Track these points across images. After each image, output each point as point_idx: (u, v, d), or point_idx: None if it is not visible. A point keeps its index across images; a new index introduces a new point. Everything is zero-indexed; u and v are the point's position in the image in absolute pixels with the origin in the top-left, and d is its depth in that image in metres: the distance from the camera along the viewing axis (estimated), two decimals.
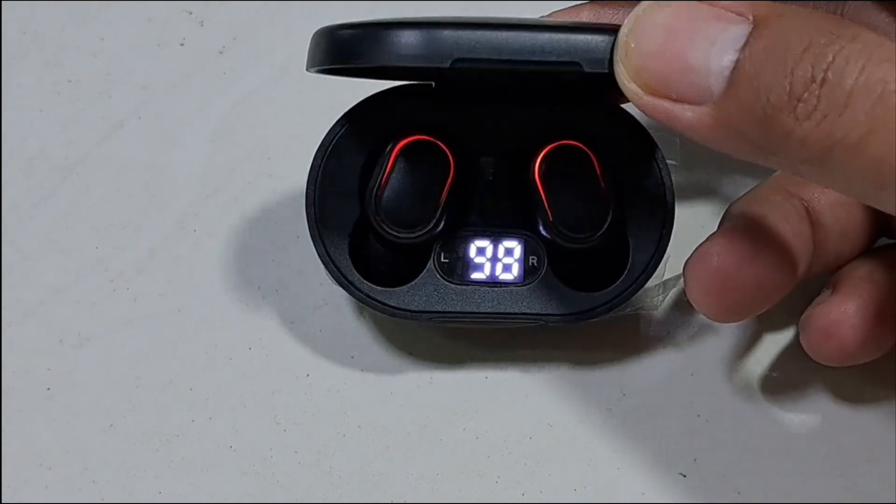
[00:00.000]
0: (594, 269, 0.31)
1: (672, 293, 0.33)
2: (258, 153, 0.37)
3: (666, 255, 0.30)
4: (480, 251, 0.31)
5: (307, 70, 0.28)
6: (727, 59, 0.23)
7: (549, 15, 0.32)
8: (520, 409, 0.33)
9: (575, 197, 0.30)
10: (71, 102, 0.38)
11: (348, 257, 0.31)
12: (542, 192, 0.29)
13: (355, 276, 0.31)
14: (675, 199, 0.30)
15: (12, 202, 0.36)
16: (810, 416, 0.32)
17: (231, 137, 0.37)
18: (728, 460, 0.32)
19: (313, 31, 0.29)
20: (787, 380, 0.33)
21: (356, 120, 0.30)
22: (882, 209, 0.23)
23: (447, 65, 0.26)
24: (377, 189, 0.29)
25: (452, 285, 0.31)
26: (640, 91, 0.24)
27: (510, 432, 0.32)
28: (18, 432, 0.32)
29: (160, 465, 0.32)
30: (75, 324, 0.34)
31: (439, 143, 0.29)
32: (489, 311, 0.31)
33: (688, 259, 0.29)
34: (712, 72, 0.23)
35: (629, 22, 0.25)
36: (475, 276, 0.31)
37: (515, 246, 0.31)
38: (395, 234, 0.30)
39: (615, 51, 0.25)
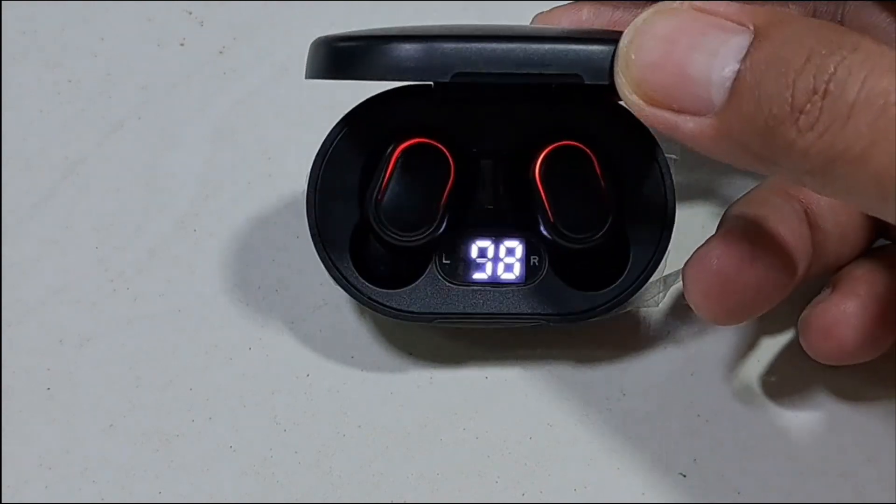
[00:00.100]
0: (595, 269, 0.31)
1: (672, 291, 0.33)
2: (258, 153, 0.37)
3: (666, 252, 0.30)
4: (482, 251, 0.31)
5: (306, 79, 0.28)
6: (728, 69, 0.23)
7: (551, 11, 0.32)
8: (520, 409, 0.33)
9: (575, 197, 0.30)
10: (71, 102, 0.38)
11: (349, 260, 0.31)
12: (542, 192, 0.29)
13: (357, 279, 0.31)
14: (676, 197, 0.30)
15: (12, 202, 0.36)
16: (810, 416, 0.32)
17: (231, 137, 0.37)
18: (728, 460, 0.32)
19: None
20: (787, 380, 0.33)
21: (355, 122, 0.30)
22: (884, 219, 0.23)
23: (447, 79, 0.26)
24: (378, 192, 0.29)
25: (454, 286, 0.31)
26: (641, 102, 0.24)
27: (510, 432, 0.32)
28: (18, 432, 0.32)
29: (160, 465, 0.32)
30: (75, 324, 0.34)
31: (439, 145, 0.29)
32: (491, 311, 0.31)
33: (687, 262, 0.29)
34: (713, 83, 0.23)
35: (629, 33, 0.25)
36: (477, 276, 0.31)
37: (517, 246, 0.31)
38: (396, 237, 0.30)
39: (615, 62, 0.25)
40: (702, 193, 0.36)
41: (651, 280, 0.31)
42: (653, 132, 0.30)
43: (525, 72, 0.26)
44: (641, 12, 0.31)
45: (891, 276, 0.30)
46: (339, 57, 0.27)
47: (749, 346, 0.34)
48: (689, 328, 0.34)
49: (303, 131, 0.37)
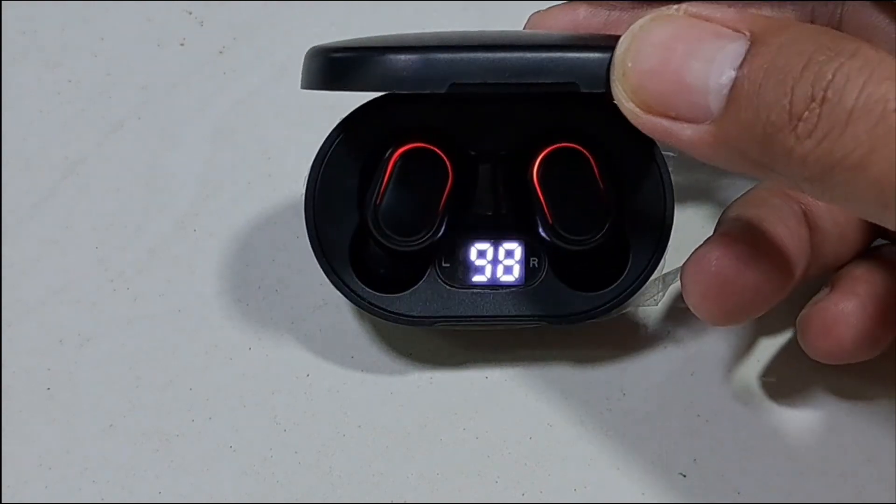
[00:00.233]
0: (594, 269, 0.31)
1: (672, 291, 0.33)
2: (258, 153, 0.37)
3: (665, 252, 0.30)
4: (481, 254, 0.31)
5: (302, 89, 0.28)
6: (725, 77, 0.23)
7: (547, 11, 0.32)
8: (520, 409, 0.33)
9: (574, 199, 0.29)
10: (71, 102, 0.38)
11: (349, 265, 0.31)
12: (540, 194, 0.29)
13: (356, 284, 0.31)
14: (675, 197, 0.30)
15: (12, 202, 0.36)
16: (810, 416, 0.32)
17: (231, 137, 0.37)
18: (728, 460, 0.32)
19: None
20: (787, 380, 0.33)
21: (352, 127, 0.30)
22: (884, 226, 0.23)
23: (444, 90, 0.26)
24: (376, 198, 0.29)
25: (454, 290, 0.31)
26: (638, 110, 0.24)
27: (510, 432, 0.32)
28: (18, 432, 0.32)
29: (160, 465, 0.32)
30: (75, 324, 0.34)
31: (437, 149, 0.29)
32: (492, 314, 0.31)
33: (685, 263, 0.29)
34: (711, 90, 0.23)
35: (625, 40, 0.25)
36: (476, 279, 0.31)
37: (516, 248, 0.31)
38: (395, 242, 0.30)
39: (612, 70, 0.25)
40: (701, 193, 0.36)
41: (650, 279, 0.31)
42: None
43: (521, 81, 0.26)
44: (638, 12, 0.31)
45: (889, 275, 0.30)
46: (334, 68, 0.27)
47: (749, 346, 0.34)
48: (689, 328, 0.34)
49: (302, 131, 0.37)
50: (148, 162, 0.37)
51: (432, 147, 0.29)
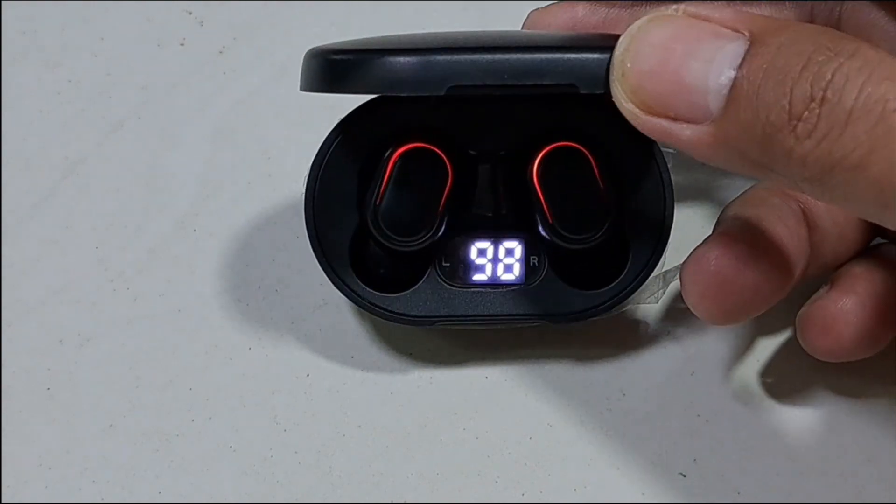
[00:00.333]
0: (595, 268, 0.31)
1: (672, 290, 0.33)
2: (258, 153, 0.37)
3: (665, 251, 0.30)
4: (481, 253, 0.31)
5: (301, 91, 0.28)
6: (725, 77, 0.23)
7: (546, 8, 0.32)
8: (520, 409, 0.33)
9: (574, 198, 0.29)
10: (71, 102, 0.38)
11: (349, 265, 0.31)
12: (540, 193, 0.29)
13: (357, 284, 0.31)
14: (674, 196, 0.30)
15: (12, 202, 0.36)
16: (810, 415, 0.32)
17: (231, 137, 0.37)
18: (728, 460, 0.32)
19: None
20: (787, 380, 0.33)
21: (351, 128, 0.30)
22: (884, 226, 0.23)
23: (443, 92, 0.26)
24: (376, 198, 0.29)
25: (455, 289, 0.31)
26: (637, 111, 0.24)
27: (510, 432, 0.32)
28: (18, 432, 0.32)
29: (160, 465, 0.32)
30: (75, 324, 0.34)
31: (436, 149, 0.29)
32: (492, 313, 0.31)
33: (684, 262, 0.29)
34: (710, 90, 0.23)
35: (624, 41, 0.25)
36: (477, 277, 0.31)
37: (516, 246, 0.31)
38: (395, 242, 0.30)
39: (611, 71, 0.25)
40: (700, 192, 0.36)
41: (651, 277, 0.31)
42: None
43: (520, 83, 0.26)
44: (637, 9, 0.31)
45: (889, 274, 0.30)
46: (332, 71, 0.27)
47: (749, 345, 0.34)
48: (689, 328, 0.34)
49: (302, 131, 0.37)
50: (148, 162, 0.37)
51: (432, 147, 0.29)
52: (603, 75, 0.26)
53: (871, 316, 0.29)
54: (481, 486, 0.31)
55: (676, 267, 0.31)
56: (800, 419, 0.32)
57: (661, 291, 0.32)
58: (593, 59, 0.26)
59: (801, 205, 0.30)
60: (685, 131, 0.24)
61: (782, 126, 0.22)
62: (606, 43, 0.26)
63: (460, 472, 0.32)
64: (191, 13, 0.40)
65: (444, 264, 0.31)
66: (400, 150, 0.29)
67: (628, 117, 0.25)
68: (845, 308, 0.30)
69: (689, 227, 0.34)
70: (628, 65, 0.24)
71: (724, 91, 0.23)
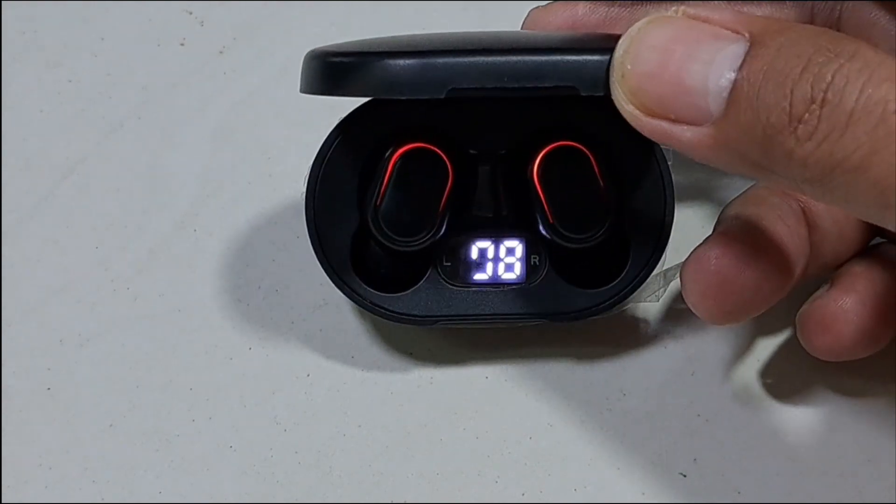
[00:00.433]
0: (595, 266, 0.31)
1: (672, 290, 0.33)
2: (258, 153, 0.37)
3: (665, 249, 0.30)
4: (482, 252, 0.31)
5: (301, 93, 0.28)
6: (725, 79, 0.23)
7: (546, 7, 0.32)
8: (520, 409, 0.33)
9: (574, 197, 0.30)
10: (71, 102, 0.38)
11: (350, 265, 0.31)
12: (541, 193, 0.29)
13: (358, 284, 0.31)
14: (675, 195, 0.30)
15: (12, 202, 0.36)
16: (810, 415, 0.32)
17: (231, 137, 0.37)
18: (728, 460, 0.32)
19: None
20: (787, 379, 0.33)
21: (351, 128, 0.30)
22: (885, 227, 0.23)
23: (442, 95, 0.26)
24: (376, 199, 0.29)
25: (456, 288, 0.31)
26: (637, 113, 0.24)
27: (510, 432, 0.32)
28: (18, 432, 0.32)
29: (160, 465, 0.32)
30: (75, 324, 0.34)
31: (437, 149, 0.29)
32: (493, 312, 0.31)
33: (684, 262, 0.29)
34: (710, 92, 0.23)
35: (624, 42, 0.25)
36: (478, 277, 0.31)
37: (517, 245, 0.31)
38: (396, 242, 0.30)
39: (611, 72, 0.25)
40: (700, 192, 0.36)
41: (651, 276, 0.31)
42: None
43: (520, 85, 0.26)
44: (637, 8, 0.31)
45: (888, 273, 0.30)
46: (332, 73, 0.27)
47: (749, 345, 0.34)
48: (689, 327, 0.34)
49: (302, 131, 0.37)
50: (148, 162, 0.37)
51: (432, 147, 0.29)
52: (603, 77, 0.26)
53: (871, 315, 0.29)
54: (481, 486, 0.31)
55: (677, 265, 0.31)
56: (800, 419, 0.32)
57: (661, 290, 0.32)
58: (593, 60, 0.26)
59: (802, 204, 0.30)
60: (685, 133, 0.24)
61: (783, 128, 0.22)
62: (606, 44, 0.26)
63: (460, 472, 0.32)
64: (191, 13, 0.40)
65: (444, 264, 0.31)
66: (400, 150, 0.29)
67: (628, 119, 0.25)
68: (845, 307, 0.30)
69: (689, 226, 0.34)
70: (628, 67, 0.24)
71: (725, 93, 0.23)
